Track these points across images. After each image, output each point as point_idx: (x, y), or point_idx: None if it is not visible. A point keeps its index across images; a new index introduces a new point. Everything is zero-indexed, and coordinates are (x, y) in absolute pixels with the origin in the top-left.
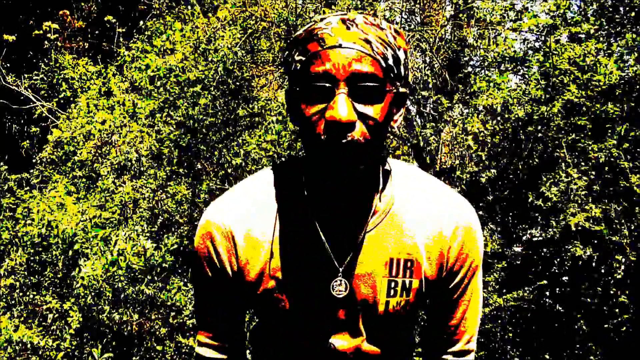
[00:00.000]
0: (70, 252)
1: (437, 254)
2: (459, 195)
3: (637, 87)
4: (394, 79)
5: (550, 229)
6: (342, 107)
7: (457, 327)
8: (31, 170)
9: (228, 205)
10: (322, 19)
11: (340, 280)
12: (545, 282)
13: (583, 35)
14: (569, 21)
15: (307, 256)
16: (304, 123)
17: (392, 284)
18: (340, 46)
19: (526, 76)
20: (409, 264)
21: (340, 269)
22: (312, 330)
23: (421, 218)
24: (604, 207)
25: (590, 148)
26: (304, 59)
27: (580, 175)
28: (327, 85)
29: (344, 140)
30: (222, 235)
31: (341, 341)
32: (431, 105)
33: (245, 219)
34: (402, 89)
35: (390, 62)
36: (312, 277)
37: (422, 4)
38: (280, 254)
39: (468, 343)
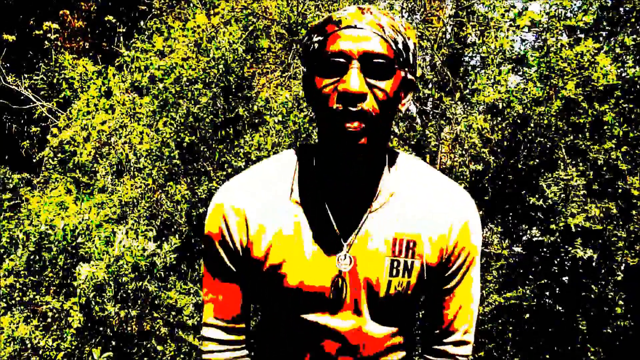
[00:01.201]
0: (72, 250)
1: (438, 240)
2: (460, 188)
3: (636, 87)
4: (403, 64)
5: (549, 231)
6: (354, 80)
7: (454, 318)
8: (32, 175)
9: (239, 184)
10: (339, 9)
11: (345, 255)
12: (545, 281)
13: (582, 35)
14: (568, 15)
15: (314, 232)
16: (318, 98)
17: (395, 264)
18: (355, 27)
19: (525, 75)
20: (411, 245)
21: (345, 244)
22: (315, 308)
23: (424, 204)
24: (603, 206)
25: (588, 149)
26: (321, 39)
27: (579, 174)
28: (342, 61)
29: (354, 109)
30: (233, 213)
31: (342, 321)
32: (431, 104)
33: (256, 197)
34: (410, 76)
35: (400, 46)
36: (318, 252)
37: (422, 2)
38: (288, 231)
39: (465, 334)
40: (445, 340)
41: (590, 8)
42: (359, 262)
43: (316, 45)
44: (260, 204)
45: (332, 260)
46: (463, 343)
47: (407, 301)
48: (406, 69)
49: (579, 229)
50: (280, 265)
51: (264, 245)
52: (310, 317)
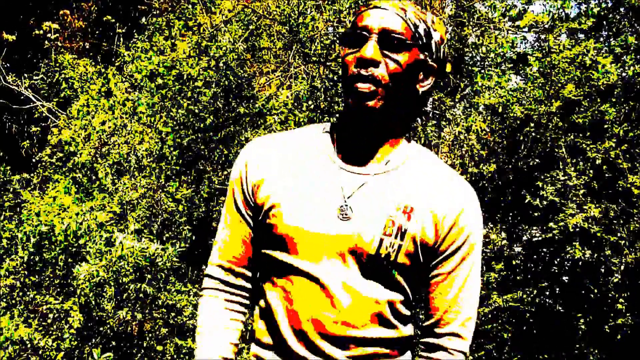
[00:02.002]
0: (73, 250)
1: (436, 216)
2: (466, 182)
3: (637, 87)
4: (422, 47)
5: (549, 231)
6: (369, 48)
7: (448, 308)
8: (32, 175)
9: (264, 139)
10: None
11: (346, 206)
12: (545, 283)
13: (582, 36)
14: (569, 16)
15: (321, 185)
16: (342, 65)
17: (390, 224)
18: (379, 7)
19: (526, 75)
20: (408, 209)
21: (347, 198)
22: (307, 255)
23: (429, 181)
24: (602, 206)
25: (588, 148)
26: (354, 18)
27: (577, 173)
28: (364, 34)
29: (366, 73)
30: (252, 160)
31: (329, 270)
32: (431, 105)
33: (274, 149)
34: (431, 62)
35: (421, 31)
36: (320, 202)
37: (423, 3)
38: (297, 181)
39: (460, 327)
40: (438, 332)
41: (592, 9)
42: (357, 217)
43: (349, 22)
44: (276, 156)
45: (333, 211)
46: (457, 336)
47: (396, 269)
48: (426, 53)
49: (577, 229)
50: (273, 210)
51: (270, 190)
52: (302, 264)
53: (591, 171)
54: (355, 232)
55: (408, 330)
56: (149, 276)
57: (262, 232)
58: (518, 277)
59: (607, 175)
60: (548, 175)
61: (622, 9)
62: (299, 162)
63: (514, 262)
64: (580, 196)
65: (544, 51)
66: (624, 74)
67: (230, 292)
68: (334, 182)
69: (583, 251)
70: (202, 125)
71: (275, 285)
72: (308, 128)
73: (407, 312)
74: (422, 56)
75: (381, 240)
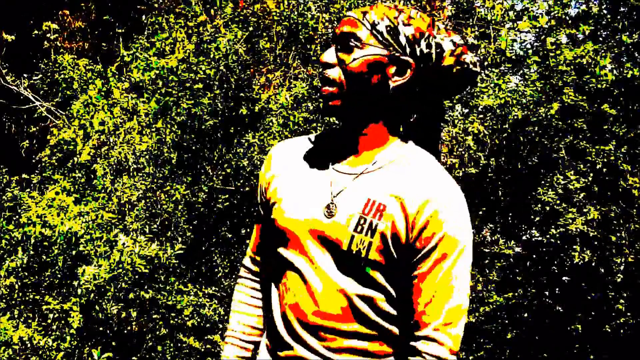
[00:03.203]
0: (74, 252)
1: (408, 212)
2: (451, 180)
3: (634, 83)
4: (386, 44)
5: (550, 237)
6: (326, 53)
7: (424, 310)
8: (32, 175)
9: (284, 141)
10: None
11: (332, 204)
12: (544, 278)
13: (581, 36)
14: (568, 19)
15: (314, 184)
16: None
17: (362, 221)
18: (346, 16)
19: (525, 76)
20: (381, 207)
21: (332, 197)
22: (298, 250)
23: (407, 179)
24: (602, 209)
25: (588, 150)
26: None
27: (578, 177)
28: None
29: (325, 76)
30: (269, 161)
31: (312, 268)
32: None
33: (284, 151)
34: (403, 57)
35: (381, 29)
36: (310, 200)
37: (422, 3)
38: (295, 181)
39: (436, 331)
40: (415, 334)
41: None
42: (339, 214)
43: None
44: (288, 158)
45: (320, 209)
46: (432, 340)
47: (370, 266)
48: (391, 49)
49: (576, 232)
50: (275, 205)
51: (273, 187)
52: (292, 257)
53: (591, 174)
54: (334, 229)
55: (393, 329)
56: (149, 278)
57: (267, 226)
58: (518, 277)
59: (607, 177)
60: (548, 178)
61: (622, 9)
62: (303, 163)
63: (513, 262)
64: (581, 198)
65: (542, 52)
66: (623, 75)
67: (254, 279)
68: (326, 182)
69: (582, 256)
70: (202, 127)
71: (274, 277)
72: (325, 131)
73: (393, 311)
74: (385, 52)
75: (352, 237)
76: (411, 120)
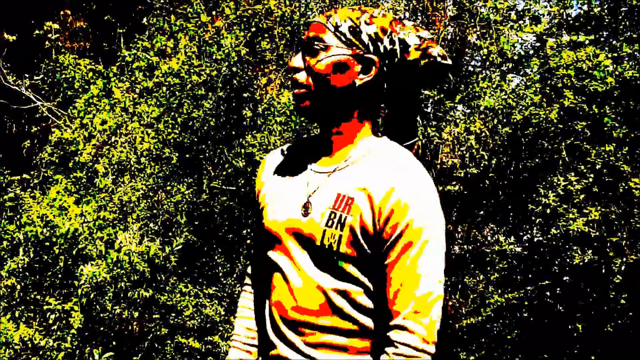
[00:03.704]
0: (74, 252)
1: (373, 202)
2: (418, 169)
3: (634, 83)
4: (349, 44)
5: (551, 238)
6: (294, 58)
7: (394, 299)
8: (32, 172)
9: (274, 150)
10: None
11: (308, 203)
12: (546, 282)
13: (581, 36)
14: (569, 21)
15: (294, 185)
16: None
17: (332, 215)
18: (312, 20)
19: (526, 76)
20: (349, 201)
21: (308, 196)
22: (280, 249)
23: (373, 171)
24: (603, 210)
25: (589, 151)
26: None
27: (578, 178)
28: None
29: (295, 79)
30: (261, 169)
31: (291, 265)
32: (431, 105)
33: (274, 158)
34: (368, 55)
35: (343, 29)
36: (290, 201)
37: (424, 4)
38: (278, 184)
39: (406, 320)
40: (389, 324)
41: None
42: (314, 211)
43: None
44: (276, 164)
45: (298, 209)
46: (403, 329)
47: (342, 259)
48: (355, 48)
49: (577, 234)
50: (265, 208)
51: (262, 191)
52: (275, 256)
53: (592, 175)
54: (309, 226)
55: (370, 323)
56: (148, 275)
57: (258, 230)
58: (519, 277)
59: (607, 179)
60: (549, 179)
61: (622, 9)
62: (287, 168)
63: (514, 262)
64: (581, 199)
65: (542, 54)
66: (622, 76)
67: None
68: (304, 183)
69: (583, 257)
70: (204, 128)
71: (264, 279)
72: (304, 139)
73: (370, 304)
74: (349, 52)
75: (324, 231)
76: (383, 115)
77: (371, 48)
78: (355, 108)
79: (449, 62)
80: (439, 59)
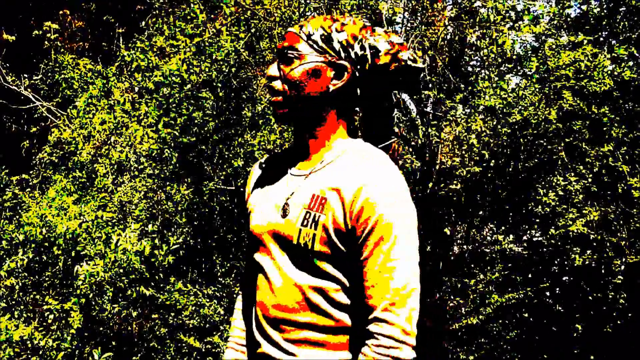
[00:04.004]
0: (73, 253)
1: (344, 201)
2: (387, 167)
3: (634, 84)
4: (321, 51)
5: (550, 238)
6: (270, 67)
7: (372, 293)
8: (31, 172)
9: (262, 158)
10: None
11: (286, 205)
12: (546, 284)
13: (580, 36)
14: (569, 22)
15: (276, 190)
16: None
17: (307, 215)
18: (288, 31)
19: (525, 76)
20: (322, 201)
21: (286, 199)
22: (262, 250)
23: (344, 171)
24: (602, 209)
25: (588, 152)
26: None
27: (577, 178)
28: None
29: (272, 87)
30: (249, 178)
31: (271, 260)
32: (431, 105)
33: (260, 167)
34: (340, 61)
35: (316, 38)
36: (271, 204)
37: (424, 4)
38: (263, 190)
39: (385, 312)
40: (368, 318)
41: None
42: (291, 213)
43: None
44: (260, 172)
45: (278, 211)
46: (382, 321)
47: (317, 257)
48: (327, 55)
49: (576, 234)
50: (251, 213)
51: (249, 198)
52: (259, 257)
53: (590, 175)
54: (287, 227)
55: (347, 320)
56: (148, 275)
57: (247, 235)
58: (518, 277)
59: (606, 179)
60: (548, 179)
61: (622, 9)
62: (271, 174)
63: (514, 262)
64: (580, 199)
65: (541, 54)
66: (621, 77)
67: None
68: (284, 186)
69: (582, 258)
70: (204, 129)
71: (252, 281)
72: (285, 149)
73: (346, 301)
74: (322, 59)
75: (300, 231)
76: (358, 118)
77: (343, 54)
78: (329, 112)
79: (421, 65)
80: (409, 62)
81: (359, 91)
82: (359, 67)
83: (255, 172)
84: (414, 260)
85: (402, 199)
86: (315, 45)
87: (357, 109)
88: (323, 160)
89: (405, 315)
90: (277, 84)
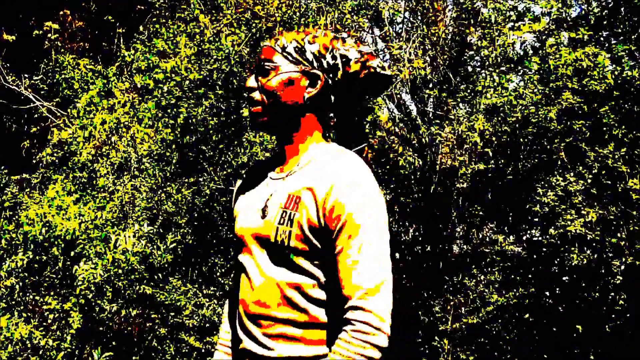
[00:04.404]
0: (72, 253)
1: (316, 198)
2: (357, 168)
3: (635, 83)
4: (296, 62)
5: (549, 237)
6: (248, 79)
7: (346, 284)
8: (33, 174)
9: (251, 165)
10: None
11: (265, 207)
12: (545, 281)
13: (582, 35)
14: (569, 21)
15: (257, 194)
16: None
17: (283, 214)
18: (264, 45)
19: (525, 77)
20: (297, 199)
21: (266, 201)
22: (242, 250)
23: (317, 172)
24: (601, 211)
25: (588, 153)
26: None
27: (577, 178)
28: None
29: (251, 98)
30: (237, 183)
31: (252, 263)
32: (431, 105)
33: (246, 175)
34: (313, 71)
35: (290, 50)
36: (253, 207)
37: (424, 4)
38: (246, 194)
39: (360, 300)
40: (344, 308)
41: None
42: (269, 213)
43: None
44: (246, 179)
45: (258, 213)
46: (358, 308)
47: (293, 253)
48: (301, 66)
49: (575, 234)
50: (235, 217)
51: (235, 206)
52: (241, 257)
53: (590, 175)
54: (265, 226)
55: (323, 315)
56: (147, 275)
57: (233, 238)
58: (518, 277)
59: (606, 179)
60: (549, 178)
61: (622, 9)
62: (254, 181)
63: (513, 262)
64: (580, 199)
65: (542, 52)
66: (621, 76)
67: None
68: (264, 190)
69: (581, 257)
70: (203, 129)
71: (237, 282)
72: (271, 156)
73: (322, 296)
74: (297, 69)
75: (277, 229)
76: (332, 123)
77: (315, 64)
78: (305, 119)
79: (389, 73)
80: (378, 69)
81: (332, 98)
82: (331, 75)
83: (242, 180)
84: (384, 252)
85: (372, 196)
86: (289, 57)
87: (332, 114)
88: (299, 164)
89: (380, 303)
90: (256, 95)
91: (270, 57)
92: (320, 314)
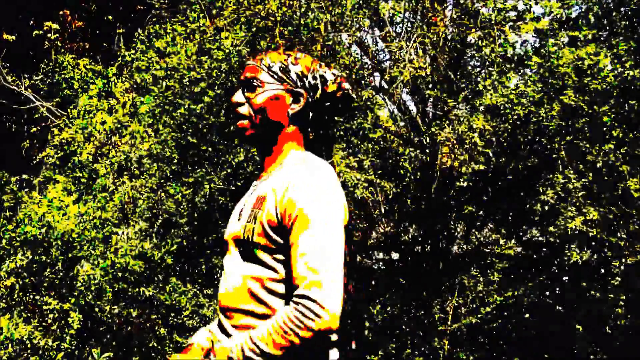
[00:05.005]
0: (70, 254)
1: (275, 201)
2: (313, 171)
3: (636, 88)
4: (281, 80)
5: (549, 235)
6: (235, 95)
7: (298, 276)
8: (32, 176)
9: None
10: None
11: (242, 210)
12: (545, 280)
13: (581, 35)
14: (569, 20)
15: (241, 203)
16: None
17: (251, 213)
18: (247, 64)
19: (526, 76)
20: (262, 200)
21: (244, 205)
22: (227, 251)
23: (282, 175)
24: (602, 210)
25: (588, 152)
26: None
27: (577, 176)
28: (239, 85)
29: (238, 113)
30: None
31: (228, 260)
32: (431, 105)
33: (245, 187)
34: (297, 89)
35: (275, 69)
36: (236, 214)
37: (424, 4)
38: (236, 206)
39: (306, 289)
40: (294, 294)
41: (591, 10)
42: (243, 217)
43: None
44: (245, 191)
45: (237, 217)
46: (304, 297)
47: (256, 247)
48: (286, 84)
49: (576, 232)
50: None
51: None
52: (224, 259)
53: (591, 174)
54: (239, 227)
55: (280, 307)
56: (146, 275)
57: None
58: (518, 277)
59: (606, 178)
60: (548, 178)
61: (623, 9)
62: (245, 192)
63: (514, 262)
64: (580, 199)
65: (543, 52)
66: (622, 75)
67: None
68: (246, 198)
69: (581, 255)
70: (204, 129)
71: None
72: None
73: (281, 290)
74: (282, 86)
75: (245, 227)
76: (310, 137)
77: (299, 83)
78: (286, 133)
79: (354, 95)
80: (349, 91)
81: (311, 114)
82: (311, 93)
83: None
84: (333, 245)
85: (323, 193)
86: (275, 76)
87: (309, 129)
88: (274, 170)
89: (325, 293)
90: (243, 109)
91: (256, 74)
92: (279, 307)
